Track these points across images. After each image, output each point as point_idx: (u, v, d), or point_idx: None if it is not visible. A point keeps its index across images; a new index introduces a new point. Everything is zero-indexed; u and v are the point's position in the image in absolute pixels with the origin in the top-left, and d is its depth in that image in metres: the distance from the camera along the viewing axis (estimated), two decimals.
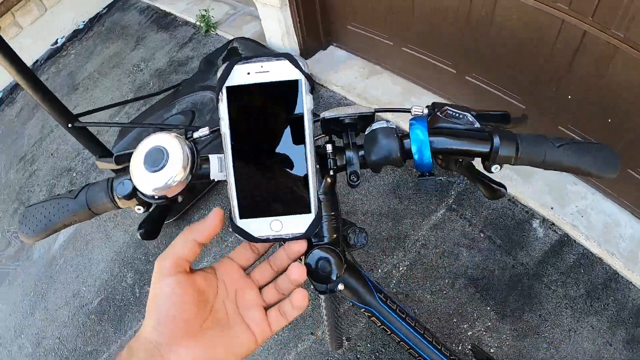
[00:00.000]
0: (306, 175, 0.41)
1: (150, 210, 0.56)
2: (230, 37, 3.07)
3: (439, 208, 2.01)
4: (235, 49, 2.56)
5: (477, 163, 0.56)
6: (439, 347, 0.72)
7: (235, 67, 0.40)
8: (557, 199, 1.85)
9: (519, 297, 1.73)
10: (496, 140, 0.49)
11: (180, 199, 0.52)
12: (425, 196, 2.05)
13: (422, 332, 0.71)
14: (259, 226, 0.42)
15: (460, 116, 0.53)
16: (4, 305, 2.47)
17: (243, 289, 0.43)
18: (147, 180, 0.43)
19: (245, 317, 0.42)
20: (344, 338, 1.79)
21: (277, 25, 2.55)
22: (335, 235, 0.55)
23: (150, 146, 0.44)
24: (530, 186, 1.91)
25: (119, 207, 0.54)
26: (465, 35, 1.87)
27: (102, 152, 1.93)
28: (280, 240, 0.43)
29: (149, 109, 2.53)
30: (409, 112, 0.56)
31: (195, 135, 0.54)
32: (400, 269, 1.89)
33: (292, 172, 0.41)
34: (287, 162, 0.42)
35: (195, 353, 0.38)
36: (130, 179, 0.48)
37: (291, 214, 0.42)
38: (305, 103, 0.41)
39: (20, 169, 3.27)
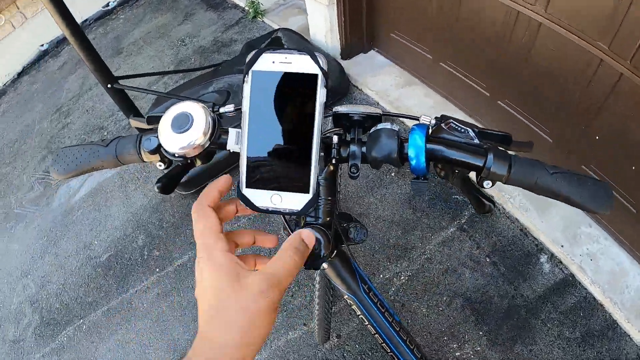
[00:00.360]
0: (310, 159, 0.46)
1: (170, 168, 0.61)
2: (276, 27, 3.13)
3: (450, 226, 2.03)
4: (278, 39, 2.61)
5: (473, 177, 0.59)
6: (412, 347, 0.75)
7: (263, 54, 0.45)
8: (569, 237, 1.84)
9: (513, 328, 1.73)
10: (490, 156, 0.52)
11: (198, 162, 0.57)
12: (439, 212, 2.07)
13: (397, 330, 0.75)
14: (261, 197, 0.47)
15: (462, 130, 0.57)
16: (16, 245, 2.57)
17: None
18: (172, 140, 0.50)
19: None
20: (333, 334, 1.83)
21: (322, 21, 2.59)
22: (328, 219, 0.60)
23: (179, 111, 0.50)
24: (544, 220, 1.91)
25: (143, 161, 0.60)
26: (503, 59, 1.89)
27: (137, 114, 2.01)
28: (278, 213, 0.48)
29: (187, 83, 2.60)
30: (417, 120, 0.59)
31: (222, 110, 0.60)
32: (402, 278, 1.91)
33: (298, 154, 0.46)
34: (295, 144, 0.46)
35: None
36: (157, 137, 0.54)
37: (291, 191, 0.46)
38: (319, 96, 0.45)
39: (55, 120, 3.38)
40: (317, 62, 0.45)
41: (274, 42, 2.60)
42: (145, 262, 2.24)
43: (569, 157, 1.83)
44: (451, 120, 0.57)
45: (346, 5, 2.42)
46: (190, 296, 2.05)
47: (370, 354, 1.76)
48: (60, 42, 4.42)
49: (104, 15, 4.32)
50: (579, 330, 1.68)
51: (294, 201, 0.47)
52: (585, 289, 1.77)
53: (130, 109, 2.07)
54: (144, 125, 0.65)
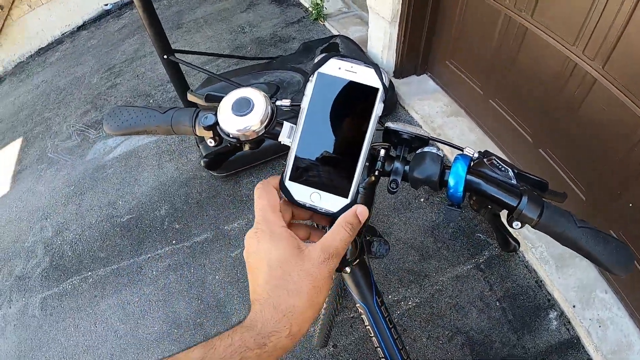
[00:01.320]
0: (355, 167, 0.48)
1: (220, 147, 0.64)
2: (336, 33, 3.17)
3: (467, 262, 2.03)
4: (336, 45, 2.65)
5: (503, 217, 0.60)
6: None
7: (332, 59, 0.48)
8: (583, 299, 1.82)
9: None
10: (524, 199, 0.54)
11: (247, 147, 0.60)
12: (459, 246, 2.07)
13: (400, 348, 0.76)
14: (301, 191, 0.49)
15: (503, 169, 0.59)
16: (43, 187, 2.65)
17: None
18: (230, 121, 0.52)
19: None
20: (330, 343, 1.84)
21: (382, 36, 2.63)
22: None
23: (242, 95, 0.53)
24: (562, 276, 1.89)
25: (195, 134, 0.62)
26: (552, 109, 1.89)
27: (186, 89, 2.06)
28: (313, 210, 0.50)
29: (240, 70, 2.66)
30: (462, 150, 0.61)
31: (278, 103, 0.62)
32: (410, 303, 1.91)
33: (345, 159, 0.48)
34: (344, 150, 0.48)
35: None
36: (215, 115, 0.57)
37: (331, 193, 0.49)
38: (376, 109, 0.48)
39: (105, 78, 3.49)
40: (380, 77, 0.48)
41: (331, 47, 2.64)
42: (163, 232, 2.28)
43: (596, 216, 1.82)
44: (494, 157, 0.59)
45: (408, 25, 2.45)
46: (200, 274, 2.09)
47: None
48: (124, 6, 4.55)
49: (105, 15, 4.45)
50: None
51: (332, 203, 0.49)
52: (588, 354, 1.74)
53: (181, 83, 2.13)
54: (201, 102, 0.69)
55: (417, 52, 2.64)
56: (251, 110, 0.51)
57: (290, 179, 0.49)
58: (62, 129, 3.08)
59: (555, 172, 1.99)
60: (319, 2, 3.45)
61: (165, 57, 2.03)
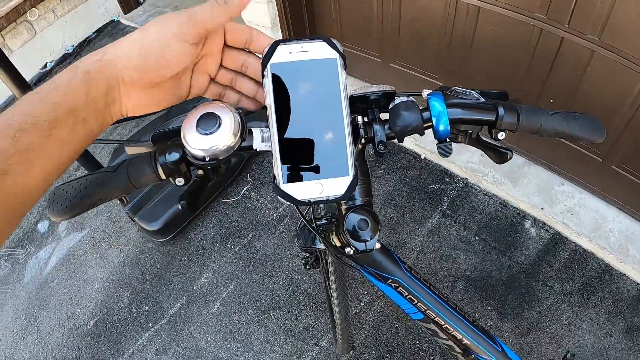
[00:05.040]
0: (343, 141, 0.46)
1: (189, 184, 0.59)
2: None
3: (433, 215, 2.06)
4: None
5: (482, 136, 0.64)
6: (462, 314, 0.75)
7: (278, 47, 0.45)
8: (547, 199, 1.92)
9: (518, 296, 1.77)
10: (500, 110, 0.57)
11: (222, 168, 0.55)
12: (420, 204, 2.11)
13: (445, 300, 0.75)
14: (301, 190, 0.46)
15: (467, 93, 0.61)
16: None
17: (210, 58, 0.48)
18: (200, 143, 0.47)
19: (193, 77, 0.48)
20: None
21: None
22: (367, 198, 0.61)
23: (203, 111, 0.48)
24: (519, 189, 1.98)
25: (160, 179, 0.56)
26: (445, 46, 1.97)
27: (96, 167, 1.93)
28: (321, 203, 0.47)
29: (142, 130, 2.55)
30: (420, 94, 0.62)
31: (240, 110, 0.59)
32: None
33: (330, 138, 0.46)
34: (326, 130, 0.46)
35: (142, 103, 0.44)
36: (178, 149, 0.52)
37: (331, 177, 0.46)
38: (340, 77, 0.46)
39: None
40: (333, 47, 0.46)
41: None
42: (135, 320, 2.13)
43: None
44: (453, 87, 0.61)
45: (290, 28, 2.47)
46: (191, 344, 1.97)
47: (389, 356, 1.74)
48: (9, 103, 4.24)
49: (44, 77, 4.18)
50: (578, 281, 1.75)
51: (336, 186, 0.46)
52: (573, 242, 1.84)
53: (91, 163, 2.00)
54: (146, 149, 0.63)
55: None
56: (219, 124, 0.47)
57: (285, 182, 0.46)
58: None
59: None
60: None
61: None
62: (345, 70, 0.46)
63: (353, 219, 0.58)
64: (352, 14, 2.29)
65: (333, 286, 1.11)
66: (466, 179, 2.14)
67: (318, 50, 0.46)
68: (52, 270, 2.47)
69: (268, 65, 0.45)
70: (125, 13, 3.94)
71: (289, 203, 0.46)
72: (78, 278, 2.38)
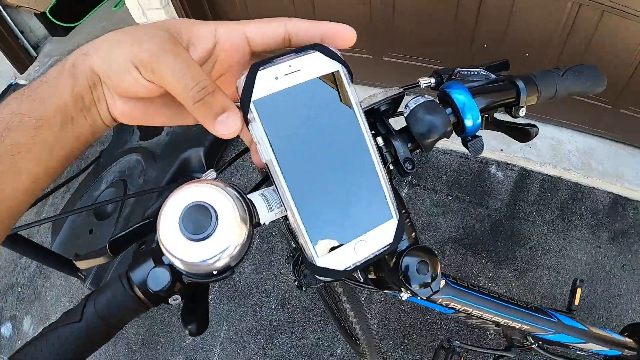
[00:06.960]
0: (376, 178, 0.36)
1: (187, 300, 0.42)
2: None
3: (400, 188, 2.03)
4: None
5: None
6: (515, 302, 0.69)
7: (259, 73, 0.32)
8: (502, 140, 1.94)
9: (506, 240, 1.78)
10: (520, 85, 0.51)
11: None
12: None
13: (496, 297, 0.67)
14: (342, 257, 0.35)
15: (475, 73, 0.52)
16: None
17: (229, 75, 0.38)
18: (194, 255, 0.32)
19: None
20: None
21: None
22: (414, 234, 0.51)
23: (185, 205, 0.32)
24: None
25: (146, 310, 0.40)
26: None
27: (35, 252, 1.70)
28: (370, 261, 0.37)
29: (76, 193, 2.33)
30: (418, 85, 0.53)
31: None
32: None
33: (358, 180, 0.35)
34: (351, 171, 0.35)
35: (131, 113, 0.35)
36: (164, 269, 0.36)
37: (372, 227, 0.36)
38: (351, 95, 0.34)
39: None
40: (331, 55, 0.34)
41: None
42: None
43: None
44: (457, 69, 0.52)
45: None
46: None
47: (406, 341, 1.70)
48: None
49: None
50: (555, 208, 1.79)
51: (381, 236, 0.36)
52: (539, 172, 1.88)
53: (36, 251, 1.77)
54: (103, 260, 0.48)
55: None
56: (216, 218, 0.32)
57: (320, 256, 0.34)
58: None
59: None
60: None
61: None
62: (353, 82, 0.35)
63: (410, 265, 0.47)
64: None
65: (347, 306, 1.02)
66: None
67: (313, 65, 0.33)
68: None
69: (251, 105, 0.32)
70: (22, 73, 3.55)
71: (330, 279, 0.35)
72: None
